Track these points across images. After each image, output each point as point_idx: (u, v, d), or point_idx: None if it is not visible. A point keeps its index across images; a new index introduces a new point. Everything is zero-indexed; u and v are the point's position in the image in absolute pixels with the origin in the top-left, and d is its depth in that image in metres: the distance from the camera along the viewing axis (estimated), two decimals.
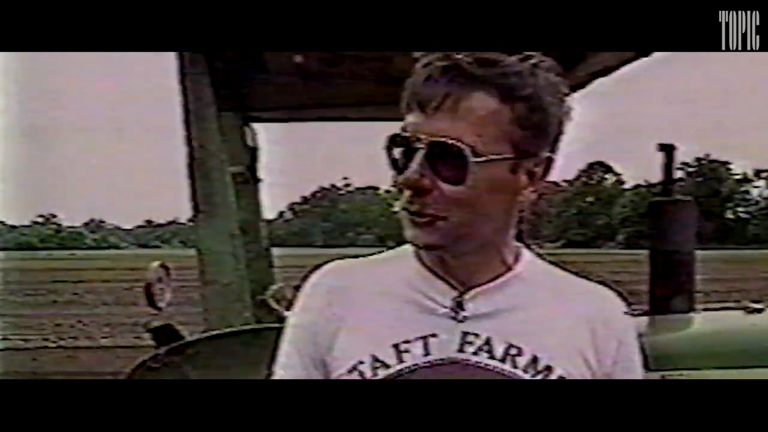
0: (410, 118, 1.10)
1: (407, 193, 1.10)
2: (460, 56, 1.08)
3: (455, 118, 1.07)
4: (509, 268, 1.19)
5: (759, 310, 2.63)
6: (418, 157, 1.08)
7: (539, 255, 1.25)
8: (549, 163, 1.15)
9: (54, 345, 13.35)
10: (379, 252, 1.28)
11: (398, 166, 1.11)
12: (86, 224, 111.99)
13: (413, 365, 1.13)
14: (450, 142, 1.06)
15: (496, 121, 1.08)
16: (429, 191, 1.09)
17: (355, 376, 1.14)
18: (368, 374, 1.13)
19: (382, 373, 1.13)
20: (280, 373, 1.22)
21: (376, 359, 1.14)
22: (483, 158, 1.07)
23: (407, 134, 1.09)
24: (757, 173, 79.62)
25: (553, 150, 1.15)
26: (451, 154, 1.07)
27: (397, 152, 1.12)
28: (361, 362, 1.14)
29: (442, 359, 1.13)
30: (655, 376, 2.10)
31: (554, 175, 1.17)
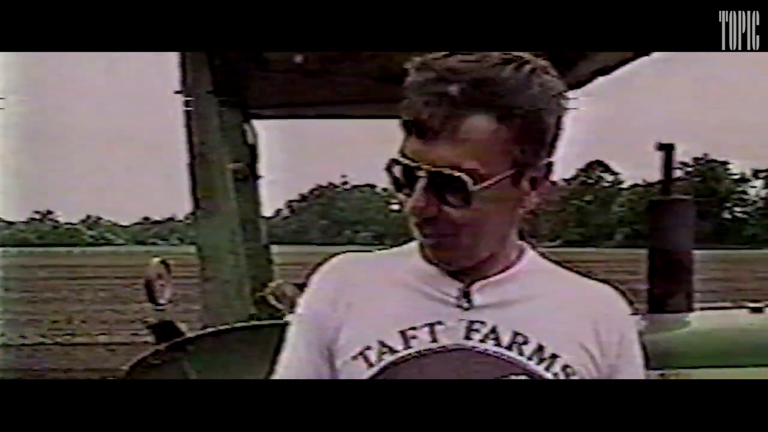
0: (409, 144, 1.10)
1: (414, 219, 1.12)
2: (455, 77, 1.06)
3: (455, 143, 1.07)
4: (513, 264, 1.21)
5: (757, 310, 2.64)
6: (421, 185, 1.09)
7: (542, 254, 1.26)
8: (549, 166, 1.16)
9: (51, 342, 13.34)
10: (378, 250, 1.30)
11: (400, 184, 1.13)
12: (83, 221, 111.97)
13: (419, 351, 1.14)
14: (451, 172, 1.07)
15: (495, 141, 1.08)
16: (435, 217, 1.11)
17: (361, 361, 1.15)
18: (374, 359, 1.15)
19: (388, 359, 1.14)
20: (285, 359, 1.24)
21: (383, 344, 1.15)
22: (485, 183, 1.08)
23: (407, 162, 1.10)
24: (755, 173, 79.76)
25: (551, 153, 1.16)
26: (454, 182, 1.08)
27: (398, 171, 1.12)
28: (368, 348, 1.16)
29: (448, 346, 1.15)
30: (653, 374, 2.11)
31: (553, 176, 1.18)
